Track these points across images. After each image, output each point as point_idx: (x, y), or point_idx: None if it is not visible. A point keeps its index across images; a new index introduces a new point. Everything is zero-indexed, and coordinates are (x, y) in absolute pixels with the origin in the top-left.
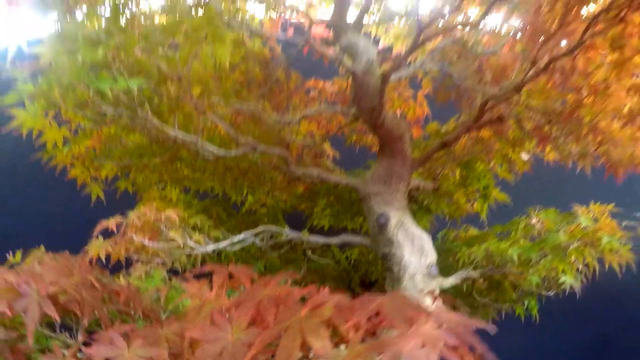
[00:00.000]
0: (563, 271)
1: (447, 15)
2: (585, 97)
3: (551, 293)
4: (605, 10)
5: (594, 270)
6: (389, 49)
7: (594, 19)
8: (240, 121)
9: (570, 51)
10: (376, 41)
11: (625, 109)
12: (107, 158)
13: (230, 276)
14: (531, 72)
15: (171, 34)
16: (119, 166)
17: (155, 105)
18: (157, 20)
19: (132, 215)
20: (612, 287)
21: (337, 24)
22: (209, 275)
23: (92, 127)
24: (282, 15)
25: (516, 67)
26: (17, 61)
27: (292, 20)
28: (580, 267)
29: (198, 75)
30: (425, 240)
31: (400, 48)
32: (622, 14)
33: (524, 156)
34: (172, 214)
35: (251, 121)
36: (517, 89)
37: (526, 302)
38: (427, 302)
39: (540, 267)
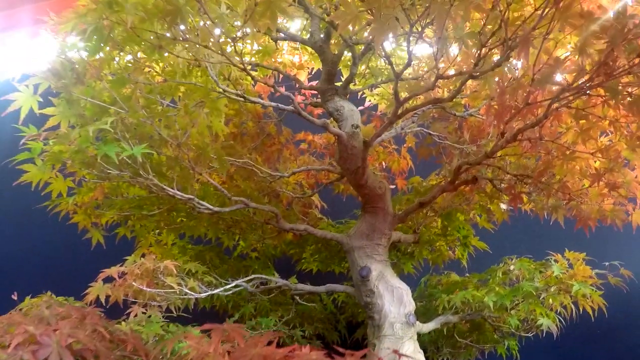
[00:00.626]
0: (540, 314)
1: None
2: (554, 159)
3: (530, 334)
4: (567, 89)
5: (572, 312)
6: (374, 107)
7: (556, 97)
8: (234, 172)
9: (535, 124)
10: (362, 99)
11: (591, 170)
12: (109, 208)
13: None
14: (500, 142)
15: (170, 94)
16: (120, 215)
17: (155, 164)
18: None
19: (132, 263)
20: (593, 326)
21: (324, 90)
22: (202, 320)
23: (96, 181)
24: (274, 73)
25: (490, 132)
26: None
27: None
28: (559, 309)
29: (195, 140)
30: (404, 291)
31: (384, 107)
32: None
33: (502, 207)
34: (169, 264)
35: (244, 172)
36: (488, 156)
37: (507, 343)
38: (405, 348)
39: (519, 311)
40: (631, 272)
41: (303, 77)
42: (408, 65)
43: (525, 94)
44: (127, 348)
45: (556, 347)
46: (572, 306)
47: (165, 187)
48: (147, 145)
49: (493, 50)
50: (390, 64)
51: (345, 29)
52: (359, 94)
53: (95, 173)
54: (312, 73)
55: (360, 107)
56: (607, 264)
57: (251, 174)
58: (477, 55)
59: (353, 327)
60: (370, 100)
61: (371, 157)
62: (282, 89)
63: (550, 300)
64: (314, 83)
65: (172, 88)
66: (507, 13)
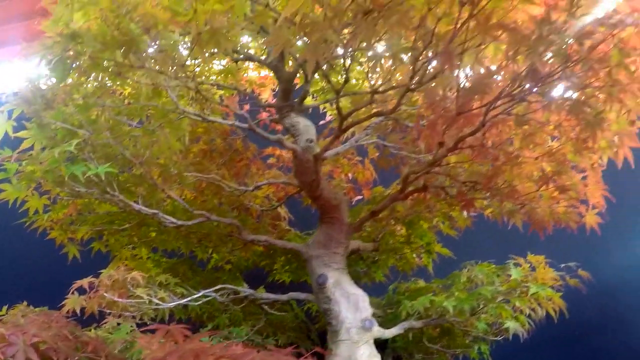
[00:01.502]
0: (507, 318)
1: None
2: (502, 164)
3: (500, 338)
4: (499, 97)
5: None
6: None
7: (490, 104)
8: (205, 187)
9: (474, 132)
10: (323, 114)
11: (537, 174)
12: (82, 224)
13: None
14: (441, 151)
15: (137, 115)
16: (93, 230)
17: (122, 182)
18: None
19: (103, 275)
20: (570, 328)
21: (280, 107)
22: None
23: (68, 199)
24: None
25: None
26: None
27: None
28: (529, 312)
29: (158, 157)
30: (360, 297)
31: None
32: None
33: (465, 213)
34: (136, 275)
35: (214, 187)
36: (431, 164)
37: (478, 347)
38: (361, 352)
39: (487, 315)
40: (606, 272)
41: (267, 93)
42: (346, 82)
43: (458, 105)
44: (88, 349)
45: (532, 349)
46: (539, 307)
47: (130, 203)
48: (113, 165)
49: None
50: (329, 82)
51: (278, 52)
52: (321, 107)
53: (67, 191)
54: (276, 89)
55: (322, 122)
56: (562, 265)
57: (220, 189)
58: (412, 69)
59: (325, 336)
60: (330, 115)
61: (337, 169)
62: (246, 107)
63: (517, 303)
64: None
65: (138, 110)
66: (436, 27)
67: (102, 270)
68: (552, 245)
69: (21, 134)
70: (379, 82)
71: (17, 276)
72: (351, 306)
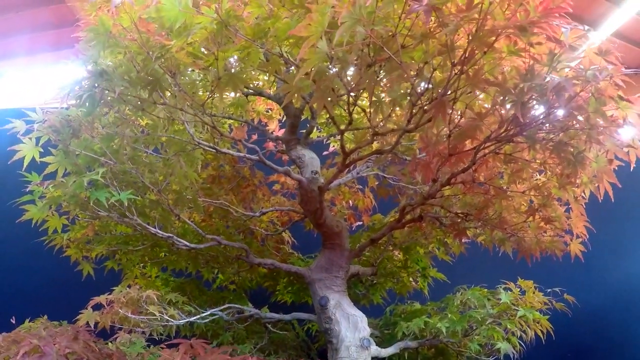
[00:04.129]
0: (499, 339)
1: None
2: (492, 197)
3: (492, 358)
4: (487, 140)
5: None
6: (336, 153)
7: (479, 146)
8: (213, 211)
9: (465, 170)
10: (327, 144)
11: (524, 206)
12: (99, 244)
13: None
14: (435, 186)
15: (153, 144)
16: (108, 250)
17: (139, 206)
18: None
19: (119, 293)
20: (564, 349)
21: (287, 140)
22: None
23: (87, 220)
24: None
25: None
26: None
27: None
28: (519, 334)
29: (174, 185)
30: (359, 318)
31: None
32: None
33: (457, 241)
34: (151, 293)
35: (222, 212)
36: (426, 197)
37: None
38: None
39: (479, 336)
40: (598, 297)
41: (274, 124)
42: (349, 124)
43: (451, 146)
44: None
45: None
46: (529, 329)
47: (147, 226)
48: (132, 191)
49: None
50: (335, 123)
51: (290, 100)
52: (324, 140)
53: (88, 214)
54: (283, 120)
55: (325, 152)
56: (549, 290)
57: (228, 213)
58: (409, 113)
59: (325, 355)
60: (334, 146)
61: (338, 197)
62: (254, 137)
63: (508, 325)
64: (282, 131)
65: (154, 139)
66: (433, 76)
67: (113, 288)
68: (542, 270)
69: (47, 159)
70: (378, 120)
71: (32, 291)
72: (351, 326)
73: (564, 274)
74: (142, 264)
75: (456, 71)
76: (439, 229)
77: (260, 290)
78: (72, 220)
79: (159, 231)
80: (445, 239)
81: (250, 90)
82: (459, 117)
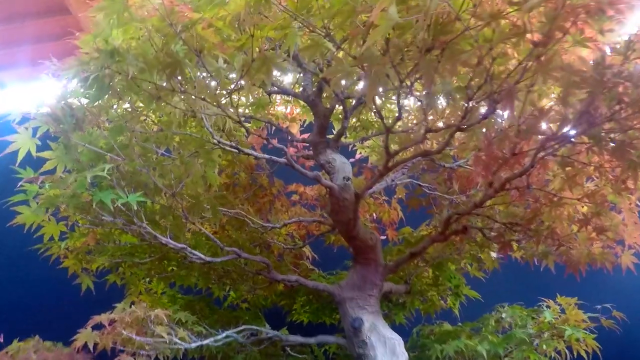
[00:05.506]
0: None
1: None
2: (542, 206)
3: None
4: (551, 139)
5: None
6: (365, 159)
7: (542, 146)
8: (226, 222)
9: (522, 173)
10: (353, 151)
11: (579, 215)
12: (100, 254)
13: None
14: (489, 192)
15: (165, 143)
16: (110, 262)
17: (148, 212)
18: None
19: (121, 311)
20: None
21: (316, 142)
22: None
23: (88, 227)
24: (267, 125)
25: (479, 182)
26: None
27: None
28: (553, 355)
29: (189, 190)
30: (396, 342)
31: (374, 159)
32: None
33: (493, 255)
34: (160, 312)
35: (236, 222)
36: (477, 205)
37: None
38: None
39: (513, 359)
40: (624, 313)
41: (295, 129)
42: (398, 119)
43: (511, 145)
44: None
45: None
46: (566, 351)
47: (158, 235)
48: (142, 194)
49: (480, 103)
50: (381, 118)
51: (337, 85)
52: (350, 146)
53: (89, 219)
54: (304, 125)
55: (351, 159)
56: (599, 307)
57: (243, 224)
58: (464, 108)
59: None
60: (360, 153)
61: (362, 209)
62: (275, 141)
63: (544, 346)
64: (305, 135)
65: (167, 137)
66: (492, 67)
67: (115, 304)
68: (576, 286)
69: (45, 154)
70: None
71: (23, 305)
72: (388, 351)
73: (607, 287)
74: (147, 279)
75: (531, 58)
76: (473, 244)
77: (275, 309)
78: (71, 227)
79: (170, 241)
80: (480, 254)
81: (275, 89)
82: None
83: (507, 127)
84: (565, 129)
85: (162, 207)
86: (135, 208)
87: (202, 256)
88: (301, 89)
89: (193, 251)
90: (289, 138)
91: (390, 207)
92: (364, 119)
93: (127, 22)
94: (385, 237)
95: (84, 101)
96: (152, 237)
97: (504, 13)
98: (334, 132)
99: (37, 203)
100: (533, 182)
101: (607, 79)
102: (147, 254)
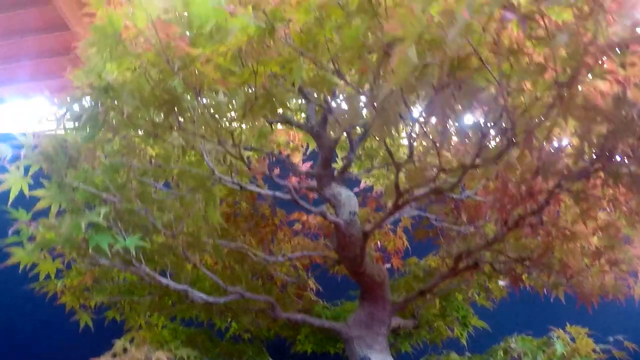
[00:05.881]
0: None
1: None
2: (554, 239)
3: None
4: (568, 176)
5: None
6: (370, 188)
7: (558, 185)
8: (227, 254)
9: (537, 211)
10: (357, 182)
11: (592, 248)
12: (99, 293)
13: None
14: (502, 230)
15: (163, 177)
16: (109, 300)
17: (147, 250)
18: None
19: (121, 347)
20: None
21: (320, 175)
22: None
23: (86, 266)
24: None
25: (488, 213)
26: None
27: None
28: None
29: (189, 227)
30: None
31: (380, 188)
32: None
33: (501, 283)
34: (161, 355)
35: (238, 255)
36: (490, 244)
37: None
38: None
39: None
40: (636, 344)
41: (297, 157)
42: (410, 157)
43: (528, 186)
44: None
45: None
46: None
47: (158, 277)
48: (140, 236)
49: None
50: (391, 155)
51: (347, 125)
52: (354, 175)
53: (86, 261)
54: (307, 153)
55: (356, 189)
56: (611, 338)
57: (245, 256)
58: (478, 145)
59: None
60: (365, 182)
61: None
62: (277, 170)
63: None
64: (308, 164)
65: (165, 172)
66: (508, 103)
67: (114, 340)
68: (586, 316)
69: (38, 192)
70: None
71: (20, 342)
72: None
73: (619, 318)
74: (147, 313)
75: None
76: (481, 273)
77: (278, 339)
78: (68, 265)
79: (171, 282)
80: (488, 284)
81: (277, 119)
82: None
83: (524, 167)
84: (583, 165)
85: (161, 245)
86: (134, 252)
87: (205, 297)
88: (304, 116)
89: (196, 292)
90: (292, 168)
91: (395, 235)
92: (368, 146)
93: (121, 55)
94: (389, 265)
95: (78, 137)
96: (152, 278)
97: (525, 48)
98: (338, 159)
99: (31, 245)
100: (545, 216)
101: (627, 115)
102: (147, 291)
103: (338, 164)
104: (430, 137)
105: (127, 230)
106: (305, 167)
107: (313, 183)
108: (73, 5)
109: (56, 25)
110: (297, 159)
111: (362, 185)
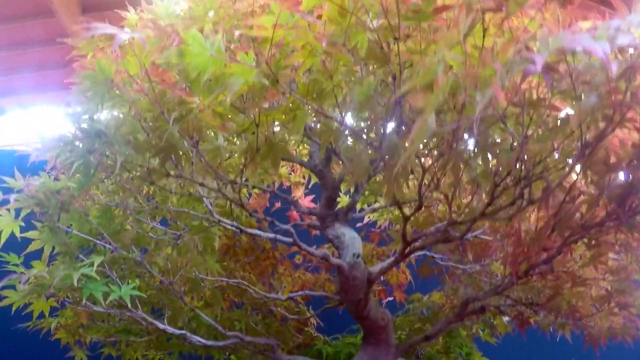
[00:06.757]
0: None
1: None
2: (564, 283)
3: None
4: (582, 228)
5: None
6: (373, 224)
7: (570, 238)
8: (227, 286)
9: (548, 261)
10: (361, 218)
11: (599, 292)
12: (95, 333)
13: None
14: (512, 280)
15: (160, 215)
16: (104, 339)
17: (145, 297)
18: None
19: None
20: None
21: (324, 215)
22: None
23: (81, 309)
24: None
25: (494, 251)
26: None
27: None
28: None
29: (187, 272)
30: None
31: (383, 223)
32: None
33: (505, 319)
34: None
35: (237, 288)
36: (497, 292)
37: None
38: None
39: None
40: None
41: (300, 191)
42: (418, 209)
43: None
44: None
45: None
46: None
47: (155, 322)
48: (136, 284)
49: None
50: (400, 208)
51: (357, 180)
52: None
53: (80, 307)
54: (309, 187)
55: (359, 224)
56: None
57: (244, 291)
58: (490, 196)
59: None
60: (369, 217)
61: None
62: (277, 204)
63: None
64: (310, 198)
65: (162, 211)
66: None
67: None
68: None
69: (30, 234)
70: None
71: None
72: None
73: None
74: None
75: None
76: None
77: None
78: (62, 304)
79: (168, 327)
80: (493, 321)
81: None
82: None
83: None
84: (599, 218)
85: (159, 291)
86: (129, 301)
87: (203, 341)
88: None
89: (194, 336)
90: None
91: (399, 270)
92: (372, 181)
93: (114, 101)
94: (392, 298)
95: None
96: (149, 324)
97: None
98: (341, 194)
99: (25, 287)
100: (561, 261)
101: None
102: (144, 332)
103: (342, 199)
104: (441, 189)
105: (122, 274)
106: (307, 201)
107: (315, 220)
108: (76, 18)
109: (60, 38)
110: (299, 192)
111: (366, 220)
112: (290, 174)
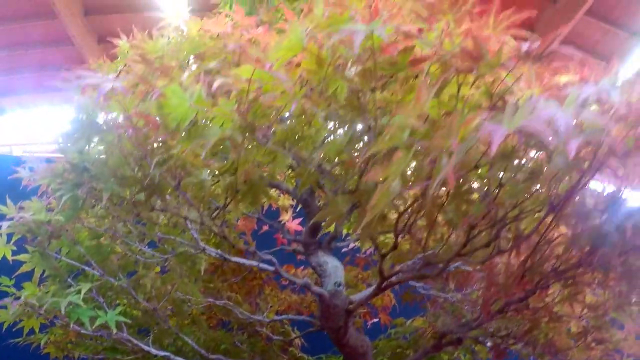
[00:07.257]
0: None
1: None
2: (541, 317)
3: None
4: (555, 273)
5: None
6: (359, 248)
7: (542, 280)
8: (213, 305)
9: (523, 299)
10: (347, 243)
11: (576, 328)
12: (83, 350)
13: None
14: (486, 316)
15: (149, 237)
16: (93, 358)
17: (130, 321)
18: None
19: None
20: None
21: (307, 243)
22: None
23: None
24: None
25: (476, 282)
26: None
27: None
28: None
29: (172, 301)
30: None
31: (369, 248)
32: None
33: (489, 344)
34: None
35: (223, 308)
36: (472, 327)
37: None
38: None
39: None
40: None
41: (287, 215)
42: (394, 248)
43: (516, 284)
44: None
45: None
46: None
47: (140, 344)
48: (123, 309)
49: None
50: (377, 247)
51: (332, 224)
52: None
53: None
54: (297, 210)
55: (344, 249)
56: None
57: (229, 311)
58: (465, 237)
59: None
60: (355, 243)
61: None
62: (265, 227)
63: None
64: (298, 220)
65: (150, 235)
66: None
67: None
68: None
69: (21, 257)
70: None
71: None
72: None
73: None
74: None
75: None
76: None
77: None
78: (52, 322)
79: (152, 349)
80: (474, 346)
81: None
82: None
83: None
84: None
85: (144, 314)
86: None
87: None
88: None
89: (177, 357)
90: (282, 229)
91: (383, 294)
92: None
93: (101, 133)
94: (377, 319)
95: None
96: (133, 345)
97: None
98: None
99: (16, 307)
100: (532, 298)
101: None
102: (131, 351)
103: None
104: (414, 233)
105: (109, 299)
106: (295, 223)
107: (300, 246)
108: (78, 20)
109: (61, 40)
110: (287, 216)
111: (351, 245)
112: (280, 196)
